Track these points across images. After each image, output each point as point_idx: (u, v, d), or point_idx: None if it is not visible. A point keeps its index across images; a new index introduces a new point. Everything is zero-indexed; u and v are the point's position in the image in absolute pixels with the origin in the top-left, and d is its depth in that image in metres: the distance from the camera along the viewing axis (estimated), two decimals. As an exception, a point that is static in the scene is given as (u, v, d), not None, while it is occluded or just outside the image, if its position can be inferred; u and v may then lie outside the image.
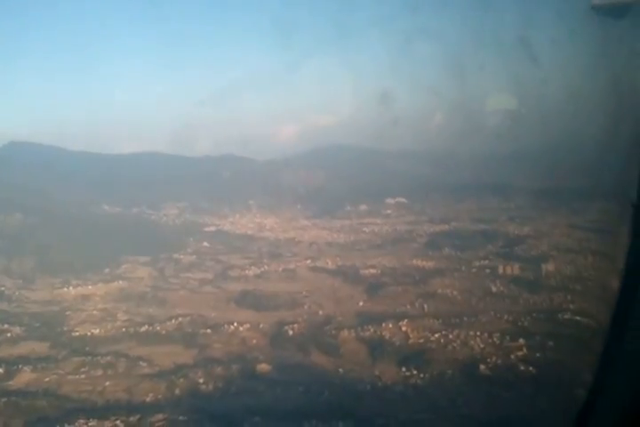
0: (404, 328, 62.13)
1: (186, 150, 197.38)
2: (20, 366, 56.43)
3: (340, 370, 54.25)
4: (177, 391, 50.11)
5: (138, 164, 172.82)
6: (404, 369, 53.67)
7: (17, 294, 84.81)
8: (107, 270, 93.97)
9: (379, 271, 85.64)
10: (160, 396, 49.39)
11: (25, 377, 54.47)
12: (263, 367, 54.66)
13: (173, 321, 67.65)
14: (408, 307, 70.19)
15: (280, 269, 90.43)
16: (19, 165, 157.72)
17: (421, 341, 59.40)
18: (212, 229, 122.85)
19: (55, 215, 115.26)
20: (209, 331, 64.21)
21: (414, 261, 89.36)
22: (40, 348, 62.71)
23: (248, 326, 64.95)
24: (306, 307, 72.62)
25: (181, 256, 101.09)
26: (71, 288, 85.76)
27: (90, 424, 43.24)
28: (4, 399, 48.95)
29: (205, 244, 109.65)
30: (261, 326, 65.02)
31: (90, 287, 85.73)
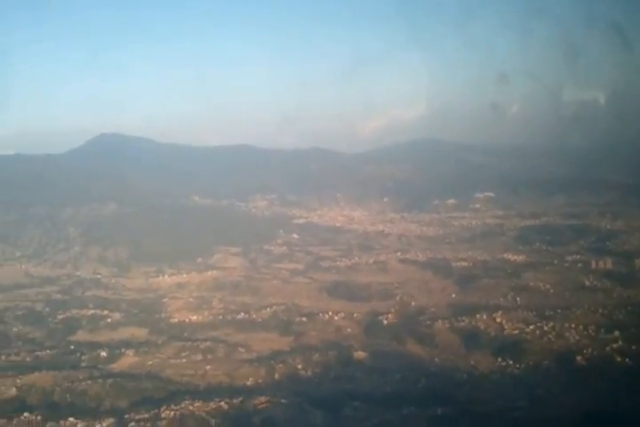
0: (498, 319, 61.62)
1: (273, 143, 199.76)
2: (122, 350, 59.03)
3: (436, 359, 54.32)
4: (276, 376, 51.26)
5: (227, 156, 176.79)
6: (499, 359, 53.39)
7: (113, 281, 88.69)
8: (199, 260, 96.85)
9: (470, 264, 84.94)
10: (260, 380, 50.66)
11: (128, 360, 56.93)
12: (359, 355, 55.25)
13: (268, 309, 69.16)
14: (501, 299, 69.55)
15: (371, 260, 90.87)
16: (109, 157, 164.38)
17: (516, 332, 58.76)
18: (301, 221, 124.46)
19: (148, 206, 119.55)
20: (304, 319, 65.30)
21: (505, 255, 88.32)
22: (140, 333, 65.48)
23: (342, 315, 65.71)
24: (398, 298, 72.85)
25: (272, 247, 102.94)
26: (166, 277, 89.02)
27: (195, 405, 44.72)
28: (109, 381, 51.29)
29: (295, 235, 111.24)
30: (355, 315, 65.64)
31: (184, 276, 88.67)
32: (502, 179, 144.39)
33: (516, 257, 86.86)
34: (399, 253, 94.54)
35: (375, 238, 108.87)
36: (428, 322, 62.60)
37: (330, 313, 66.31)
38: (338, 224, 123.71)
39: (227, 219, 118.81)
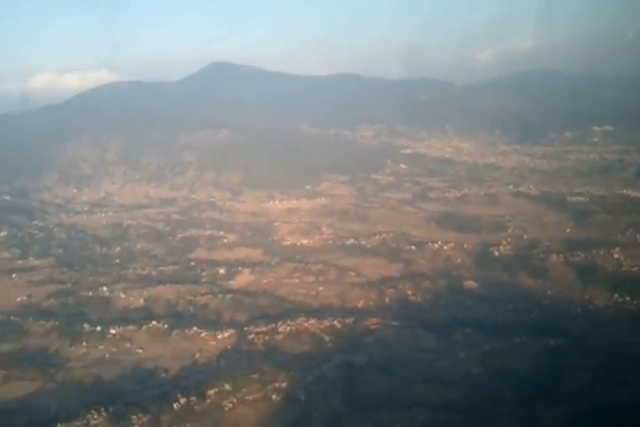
0: (616, 256, 59.65)
1: (383, 74, 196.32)
2: (239, 269, 61.76)
3: (549, 292, 53.49)
4: (387, 300, 52.25)
5: (335, 86, 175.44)
6: (616, 295, 51.91)
7: (227, 205, 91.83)
8: (308, 187, 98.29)
9: (586, 199, 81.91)
10: (371, 303, 51.85)
11: (245, 278, 59.56)
12: (470, 284, 55.28)
13: (377, 237, 69.85)
14: (619, 236, 66.92)
15: (481, 193, 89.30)
16: (221, 85, 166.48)
17: (635, 269, 56.88)
18: (409, 151, 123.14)
19: (259, 133, 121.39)
20: (413, 247, 65.60)
21: (624, 191, 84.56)
22: (254, 254, 68.03)
23: (452, 245, 65.52)
24: (509, 230, 71.65)
25: (379, 177, 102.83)
26: (277, 202, 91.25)
27: (310, 322, 46.53)
28: (228, 296, 54.08)
29: (402, 166, 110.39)
30: (465, 246, 65.27)
31: (294, 202, 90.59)
32: (623, 112, 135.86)
33: (636, 193, 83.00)
34: (511, 186, 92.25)
35: (485, 171, 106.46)
36: (541, 255, 61.44)
37: (439, 243, 66.21)
38: (446, 155, 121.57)
39: (334, 148, 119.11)
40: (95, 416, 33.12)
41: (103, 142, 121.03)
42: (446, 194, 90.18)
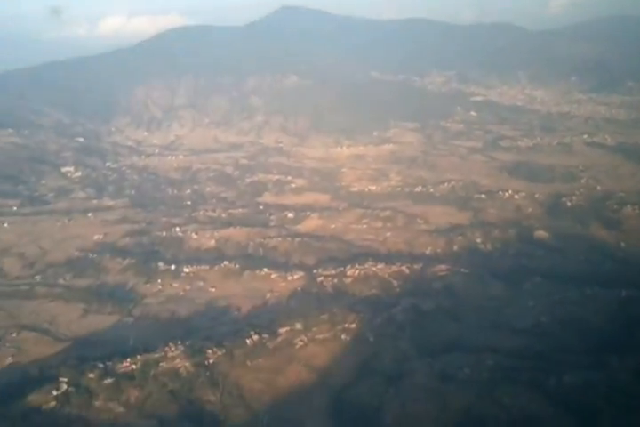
0: (696, 212, 57.73)
1: (454, 18, 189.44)
2: (307, 213, 62.21)
3: (622, 244, 52.06)
4: (455, 248, 51.88)
5: (404, 30, 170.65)
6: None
7: (294, 150, 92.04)
8: (375, 134, 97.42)
9: (666, 150, 78.97)
10: (439, 250, 51.58)
11: (313, 223, 60.00)
12: (541, 234, 54.27)
13: (446, 185, 69.00)
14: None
15: (554, 142, 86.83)
16: (290, 29, 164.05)
17: None
18: (480, 98, 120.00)
19: (327, 79, 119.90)
20: (482, 196, 64.59)
21: None
22: (321, 199, 68.26)
23: (523, 194, 64.18)
24: (583, 181, 69.65)
25: (449, 124, 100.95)
26: (344, 148, 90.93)
27: (378, 267, 46.78)
28: (297, 239, 54.66)
29: (473, 113, 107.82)
30: (537, 195, 63.84)
31: (361, 148, 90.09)
32: None
33: None
34: (585, 136, 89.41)
35: (559, 119, 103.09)
36: (615, 207, 59.66)
37: (509, 192, 64.97)
38: (519, 103, 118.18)
39: (403, 94, 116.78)
40: (172, 349, 34.35)
41: (173, 86, 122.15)
42: (518, 143, 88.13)
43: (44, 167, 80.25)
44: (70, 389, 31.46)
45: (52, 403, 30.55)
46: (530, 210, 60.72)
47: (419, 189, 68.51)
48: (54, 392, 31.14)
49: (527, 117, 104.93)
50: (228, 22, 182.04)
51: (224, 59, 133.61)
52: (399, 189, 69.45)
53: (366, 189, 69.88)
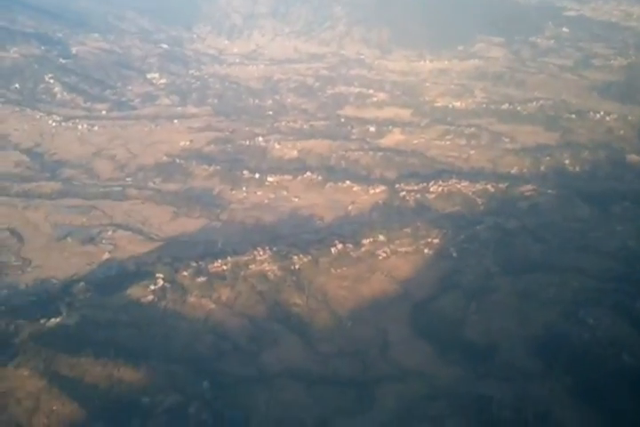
0: None
1: None
2: (389, 127, 61.44)
3: None
4: (542, 168, 50.69)
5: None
6: None
7: (376, 63, 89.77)
8: (460, 48, 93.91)
9: None
10: (525, 170, 50.52)
11: (395, 137, 59.32)
12: (633, 158, 52.20)
13: (534, 103, 66.48)
14: None
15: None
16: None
17: None
18: (572, 13, 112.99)
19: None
20: (572, 116, 62.16)
21: None
22: (403, 113, 67.05)
23: (614, 116, 61.42)
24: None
25: (538, 40, 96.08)
26: (427, 62, 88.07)
27: (462, 184, 46.27)
28: (379, 154, 54.36)
29: (564, 29, 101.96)
30: (629, 118, 61.02)
31: (445, 63, 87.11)
32: None
33: None
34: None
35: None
36: None
37: (601, 113, 62.11)
38: (613, 20, 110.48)
39: (490, 7, 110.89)
40: (261, 253, 35.30)
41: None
42: (611, 62, 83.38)
43: (130, 73, 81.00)
44: (166, 285, 33.00)
45: (150, 297, 32.18)
46: (621, 132, 58.14)
47: (505, 106, 66.13)
48: (152, 287, 32.74)
49: (622, 35, 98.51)
50: None
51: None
52: (484, 106, 67.31)
53: (450, 105, 67.99)
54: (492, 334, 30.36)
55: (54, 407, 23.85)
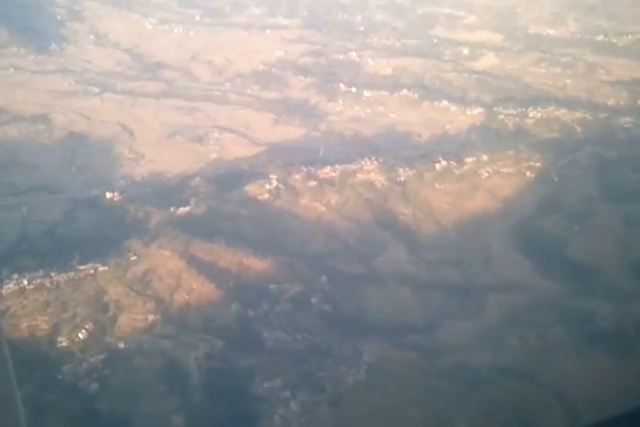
0: None
1: None
2: (482, 51, 59.86)
3: None
4: (639, 102, 49.29)
5: None
6: None
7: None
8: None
9: None
10: (622, 102, 49.12)
11: (488, 61, 57.87)
12: None
13: (629, 37, 63.57)
14: None
15: None
16: None
17: None
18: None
19: None
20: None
21: None
22: (495, 38, 64.97)
23: None
24: None
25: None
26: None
27: (560, 111, 45.45)
28: (474, 76, 53.37)
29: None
30: None
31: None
32: None
33: None
34: None
35: None
36: None
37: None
38: None
39: None
40: (367, 163, 35.67)
41: None
42: None
43: (220, -21, 79.60)
44: (280, 186, 33.86)
45: (266, 195, 33.10)
46: None
47: (599, 37, 63.44)
48: (267, 186, 33.63)
49: None
50: None
51: None
52: (578, 35, 64.79)
53: (543, 33, 65.67)
54: (593, 256, 30.66)
55: (194, 286, 25.31)
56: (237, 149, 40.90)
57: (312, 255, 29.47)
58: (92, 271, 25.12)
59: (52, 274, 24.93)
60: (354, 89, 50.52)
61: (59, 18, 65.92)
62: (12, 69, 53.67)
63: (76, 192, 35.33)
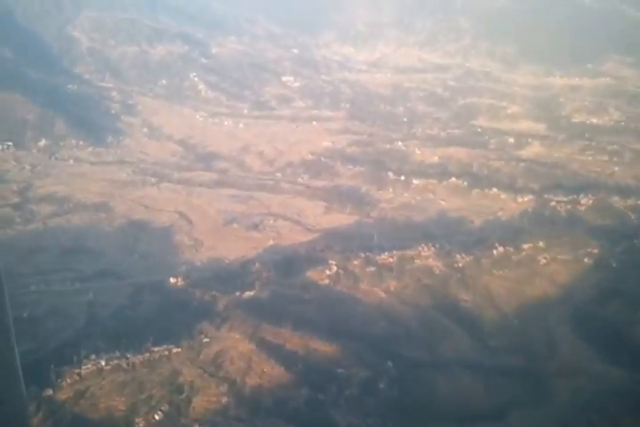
0: None
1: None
2: (528, 140, 62.48)
3: None
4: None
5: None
6: None
7: (504, 76, 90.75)
8: (589, 66, 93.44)
9: None
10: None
11: (534, 149, 60.43)
12: None
13: (672, 125, 66.11)
14: None
15: None
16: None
17: None
18: None
19: (539, 3, 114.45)
20: None
21: None
22: (538, 127, 68.01)
23: None
24: None
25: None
26: (557, 78, 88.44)
27: (612, 198, 46.81)
28: (521, 164, 55.63)
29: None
30: None
31: (576, 80, 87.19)
32: None
33: None
34: None
35: None
36: None
37: None
38: None
39: (620, 25, 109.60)
40: (425, 249, 37.14)
41: (379, 4, 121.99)
42: None
43: (265, 75, 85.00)
44: (340, 271, 35.38)
45: (326, 281, 34.60)
46: None
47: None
48: (327, 272, 35.18)
49: None
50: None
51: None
52: (622, 124, 67.44)
53: (587, 122, 68.41)
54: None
55: (264, 369, 26.42)
56: (293, 236, 42.88)
57: (376, 340, 30.41)
58: (166, 353, 26.45)
59: (128, 355, 26.31)
60: (402, 177, 52.95)
61: (113, 112, 70.73)
62: (71, 161, 57.69)
63: (139, 277, 37.31)
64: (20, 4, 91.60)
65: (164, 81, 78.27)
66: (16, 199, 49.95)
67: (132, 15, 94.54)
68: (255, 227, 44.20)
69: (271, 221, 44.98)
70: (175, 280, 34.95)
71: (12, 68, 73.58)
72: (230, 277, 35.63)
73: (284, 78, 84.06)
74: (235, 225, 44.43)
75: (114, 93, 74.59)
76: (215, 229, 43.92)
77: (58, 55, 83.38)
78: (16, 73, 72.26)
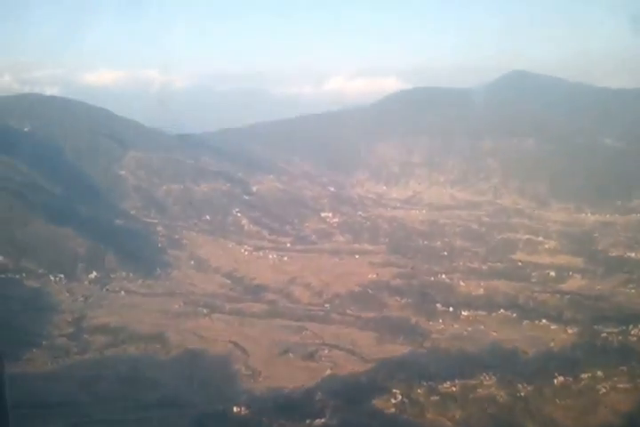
0: None
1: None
2: (569, 273, 64.73)
3: None
4: None
5: (636, 100, 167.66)
6: None
7: (536, 213, 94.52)
8: (618, 203, 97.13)
9: None
10: None
11: (576, 282, 62.57)
12: None
13: None
14: None
15: None
16: (522, 93, 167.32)
17: None
18: None
19: (564, 144, 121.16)
20: None
21: None
22: (575, 261, 70.25)
23: None
24: None
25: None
26: (589, 215, 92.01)
27: None
28: (566, 297, 57.59)
29: None
30: None
31: (607, 216, 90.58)
32: None
33: None
34: None
35: None
36: None
37: None
38: None
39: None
40: (487, 378, 38.33)
41: (409, 145, 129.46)
42: None
43: (304, 211, 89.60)
44: (404, 400, 36.50)
45: (392, 409, 35.80)
46: None
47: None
48: (392, 400, 36.32)
49: None
50: (450, 84, 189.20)
51: (456, 120, 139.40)
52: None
53: (624, 255, 70.86)
54: None
55: None
56: (349, 365, 44.34)
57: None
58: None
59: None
60: (451, 309, 54.92)
61: (160, 245, 74.46)
62: (122, 292, 60.43)
63: (201, 406, 38.54)
64: (70, 142, 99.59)
65: (207, 216, 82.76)
66: (71, 329, 52.37)
67: (175, 155, 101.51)
68: (310, 357, 45.83)
69: (326, 351, 46.61)
70: (238, 409, 36.14)
71: (62, 203, 79.00)
72: (293, 405, 36.87)
73: (322, 214, 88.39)
74: (290, 355, 46.07)
75: (159, 228, 78.76)
76: (271, 359, 45.54)
77: (105, 192, 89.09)
78: (66, 208, 77.49)
